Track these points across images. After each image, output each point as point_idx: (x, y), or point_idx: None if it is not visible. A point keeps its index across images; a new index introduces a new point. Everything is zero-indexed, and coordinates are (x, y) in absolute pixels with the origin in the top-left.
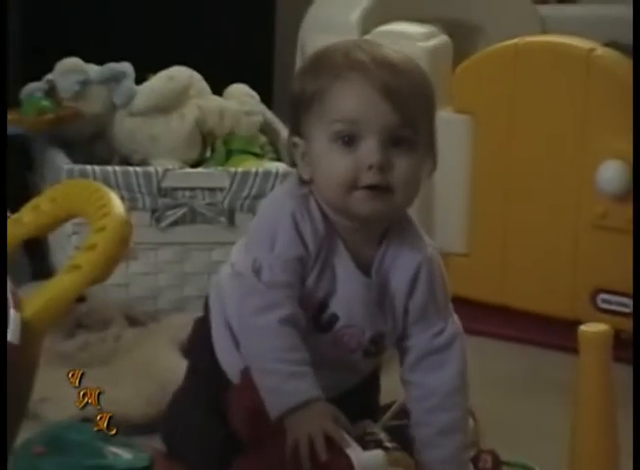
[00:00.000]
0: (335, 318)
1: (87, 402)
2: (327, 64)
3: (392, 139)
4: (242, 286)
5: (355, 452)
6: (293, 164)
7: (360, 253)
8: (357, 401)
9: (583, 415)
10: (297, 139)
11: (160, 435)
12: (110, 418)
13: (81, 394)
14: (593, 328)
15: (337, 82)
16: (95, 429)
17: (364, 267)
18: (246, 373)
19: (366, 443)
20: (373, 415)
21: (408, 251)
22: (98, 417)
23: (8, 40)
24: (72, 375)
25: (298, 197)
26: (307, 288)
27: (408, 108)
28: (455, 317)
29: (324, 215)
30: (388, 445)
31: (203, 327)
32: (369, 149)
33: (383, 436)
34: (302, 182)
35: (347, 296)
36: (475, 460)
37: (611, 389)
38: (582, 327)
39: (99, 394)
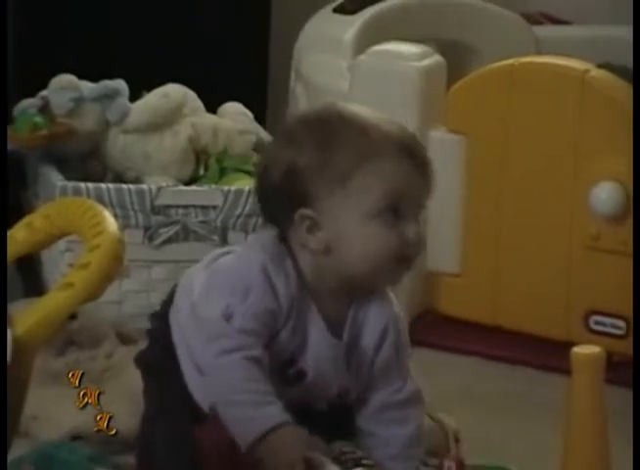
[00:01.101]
0: (302, 374)
1: (87, 402)
2: (343, 141)
3: (421, 210)
4: (209, 330)
5: None
6: (265, 222)
7: (332, 313)
8: (331, 420)
9: (575, 437)
10: (307, 211)
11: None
12: (110, 418)
13: (81, 394)
14: (586, 350)
15: (369, 162)
16: (95, 429)
17: (335, 328)
18: (213, 411)
19: (344, 461)
20: (349, 431)
21: (377, 309)
22: (98, 417)
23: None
24: (73, 375)
25: (274, 254)
26: (277, 343)
27: (432, 177)
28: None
29: (299, 276)
30: (367, 462)
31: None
32: (410, 222)
33: (360, 453)
34: (281, 241)
35: (317, 355)
36: (438, 467)
37: (603, 411)
38: (575, 349)
39: (99, 394)
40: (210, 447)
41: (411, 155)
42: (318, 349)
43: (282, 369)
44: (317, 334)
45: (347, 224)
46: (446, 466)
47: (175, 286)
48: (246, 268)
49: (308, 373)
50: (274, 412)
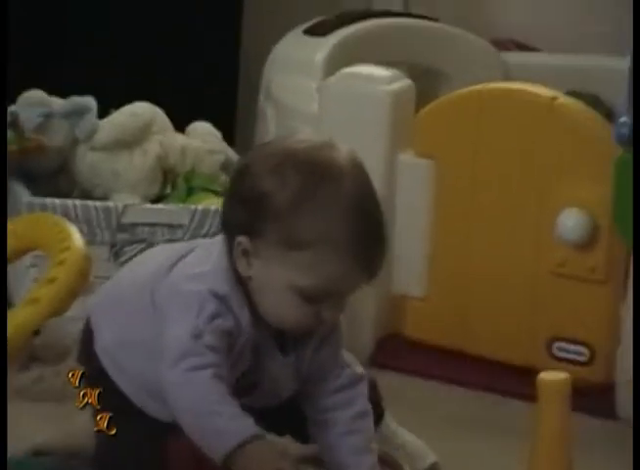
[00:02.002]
0: (254, 386)
1: (87, 402)
2: (318, 212)
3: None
4: (178, 348)
5: None
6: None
7: (279, 333)
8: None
9: (540, 463)
10: (242, 239)
11: None
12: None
13: (81, 394)
14: (552, 376)
15: (323, 251)
16: (95, 429)
17: (283, 344)
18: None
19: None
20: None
21: None
22: (98, 417)
23: None
24: (73, 375)
25: (234, 281)
26: (233, 356)
27: (378, 270)
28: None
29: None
30: None
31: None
32: (331, 307)
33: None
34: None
35: (268, 371)
36: None
37: (568, 437)
38: (541, 375)
39: (99, 394)
40: (179, 462)
41: (366, 258)
42: (269, 365)
43: (238, 380)
44: (269, 353)
45: (272, 280)
46: None
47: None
48: (211, 290)
49: (259, 386)
50: (247, 425)
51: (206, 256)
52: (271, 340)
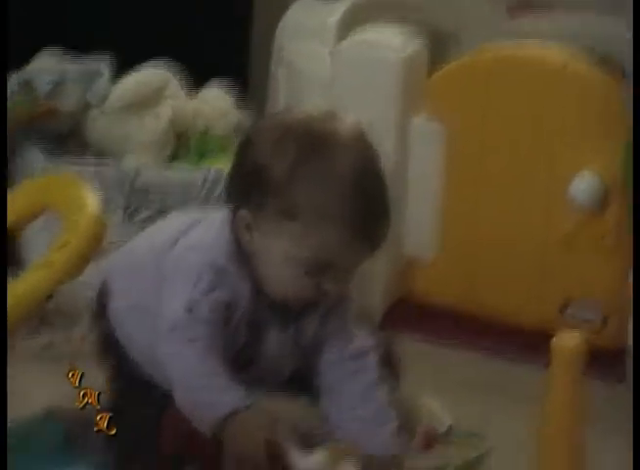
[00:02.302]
0: (253, 361)
1: (87, 402)
2: (317, 180)
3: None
4: (171, 320)
5: (298, 458)
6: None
7: (279, 307)
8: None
9: (552, 427)
10: (243, 212)
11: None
12: (110, 418)
13: (81, 394)
14: (565, 340)
15: (321, 221)
16: (95, 429)
17: (283, 319)
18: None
19: (312, 439)
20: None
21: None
22: (98, 417)
23: None
24: (72, 375)
25: (234, 253)
26: (232, 331)
27: (380, 243)
28: (366, 336)
29: (251, 272)
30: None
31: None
32: (334, 281)
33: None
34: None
35: (267, 346)
36: (407, 440)
37: (581, 402)
38: (555, 339)
39: (99, 394)
40: (177, 434)
41: (365, 230)
42: (269, 341)
43: (235, 355)
44: (268, 328)
45: (272, 253)
46: (416, 439)
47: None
48: (210, 262)
49: (260, 361)
50: (236, 397)
51: (211, 226)
52: (271, 314)
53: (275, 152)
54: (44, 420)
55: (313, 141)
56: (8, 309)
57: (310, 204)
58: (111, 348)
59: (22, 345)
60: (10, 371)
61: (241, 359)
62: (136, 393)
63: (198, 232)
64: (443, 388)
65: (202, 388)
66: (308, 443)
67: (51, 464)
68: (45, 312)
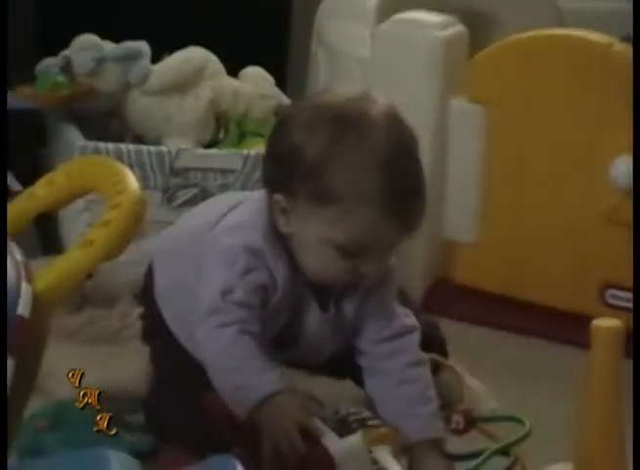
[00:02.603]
0: (296, 339)
1: (87, 402)
2: (349, 162)
3: (389, 252)
4: (207, 304)
5: (332, 441)
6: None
7: (319, 287)
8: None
9: (592, 409)
10: (279, 197)
11: (146, 419)
12: (110, 418)
13: (81, 394)
14: (606, 323)
15: (355, 205)
16: (95, 429)
17: (323, 300)
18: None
19: (349, 423)
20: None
21: None
22: (98, 417)
23: (26, 16)
24: (72, 375)
25: (270, 235)
26: (273, 312)
27: (416, 223)
28: (408, 317)
29: (289, 255)
30: (373, 422)
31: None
32: (371, 261)
33: (366, 414)
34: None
35: (308, 326)
36: (446, 422)
37: (621, 384)
38: (595, 322)
39: (99, 394)
40: (219, 416)
41: (400, 211)
42: (310, 322)
43: (277, 335)
44: (308, 308)
45: (308, 236)
46: (454, 421)
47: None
48: (245, 244)
49: (302, 339)
50: (271, 380)
51: (248, 209)
52: (310, 295)
53: (308, 134)
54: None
55: (346, 122)
56: (49, 287)
57: (344, 186)
58: (155, 327)
59: (61, 323)
60: (50, 350)
61: (284, 339)
62: (178, 374)
63: (235, 214)
64: (482, 369)
65: (237, 370)
66: (346, 425)
67: (85, 444)
68: (85, 291)
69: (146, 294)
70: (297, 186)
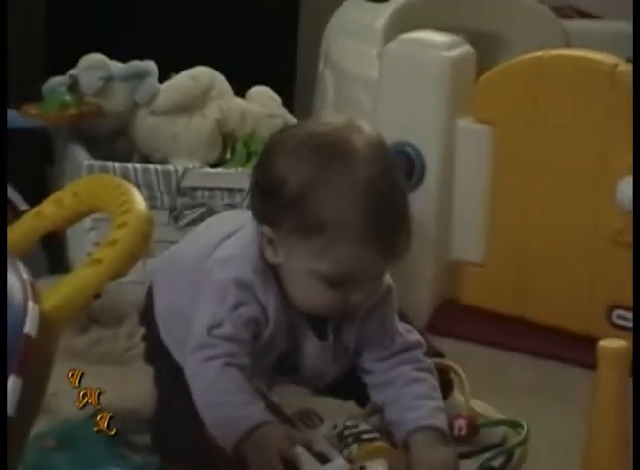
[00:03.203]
0: (297, 367)
1: (87, 402)
2: (330, 193)
3: (376, 280)
4: (194, 339)
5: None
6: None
7: (316, 317)
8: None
9: (599, 430)
10: (265, 228)
11: (151, 440)
12: (110, 418)
13: (81, 394)
14: (612, 344)
15: (337, 234)
16: (95, 429)
17: (320, 329)
18: None
19: (345, 437)
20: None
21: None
22: (98, 417)
23: (33, 35)
24: (72, 375)
25: (261, 267)
26: (270, 341)
27: (401, 253)
28: (411, 333)
29: (280, 286)
30: (369, 435)
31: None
32: (358, 291)
33: (363, 427)
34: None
35: (308, 355)
36: (449, 428)
37: (627, 404)
38: (601, 342)
39: (99, 394)
40: (215, 444)
41: (384, 241)
42: (308, 351)
43: (277, 363)
44: (305, 337)
45: (295, 268)
46: (457, 426)
47: (150, 288)
48: (234, 278)
49: (302, 367)
50: (256, 412)
51: (240, 239)
52: (307, 324)
53: (291, 165)
54: (90, 420)
55: (329, 153)
56: (56, 306)
57: (327, 216)
58: (155, 348)
59: (68, 342)
60: (56, 369)
61: (284, 367)
62: (178, 396)
63: (228, 245)
64: (489, 389)
65: (223, 405)
66: (342, 440)
67: (96, 464)
68: (92, 311)
69: (146, 315)
70: (281, 217)
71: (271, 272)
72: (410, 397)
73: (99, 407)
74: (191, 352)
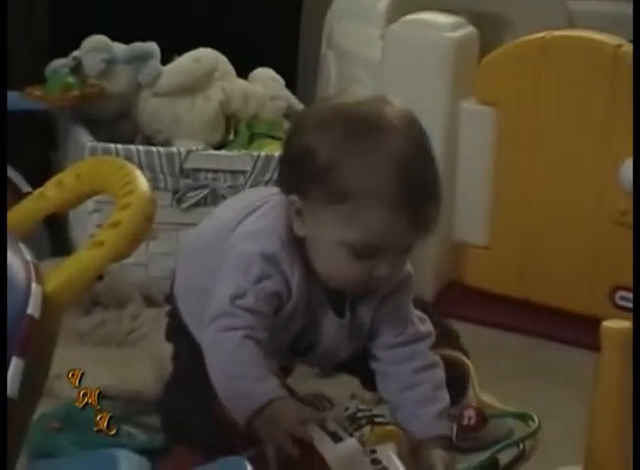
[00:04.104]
0: (312, 346)
1: (87, 402)
2: (361, 162)
3: (404, 253)
4: (215, 307)
5: (327, 447)
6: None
7: (334, 293)
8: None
9: (602, 411)
10: (294, 198)
11: (160, 421)
12: (110, 418)
13: (81, 394)
14: (615, 325)
15: (367, 201)
16: (95, 429)
17: (338, 306)
18: None
19: (359, 419)
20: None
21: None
22: (98, 417)
23: (37, 18)
24: (72, 375)
25: (287, 241)
26: (288, 319)
27: (430, 226)
28: (423, 323)
29: (304, 260)
30: (382, 420)
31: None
32: (385, 264)
33: (375, 412)
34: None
35: (325, 332)
36: (458, 418)
37: (630, 385)
38: (605, 323)
39: (99, 393)
40: (229, 421)
41: (414, 211)
42: (326, 328)
43: (293, 343)
44: (323, 314)
45: (322, 237)
46: (466, 416)
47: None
48: (260, 251)
49: (318, 345)
50: (270, 388)
51: (266, 213)
52: (326, 301)
53: (321, 134)
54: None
55: (361, 123)
56: (59, 288)
57: (358, 183)
58: (175, 326)
59: (72, 325)
60: (59, 351)
61: (299, 347)
62: (194, 374)
63: (253, 220)
64: (493, 370)
65: (238, 378)
66: (355, 422)
67: (97, 445)
68: (96, 293)
69: (169, 293)
70: (311, 185)
71: (297, 246)
72: (412, 403)
73: (99, 407)
74: (210, 321)
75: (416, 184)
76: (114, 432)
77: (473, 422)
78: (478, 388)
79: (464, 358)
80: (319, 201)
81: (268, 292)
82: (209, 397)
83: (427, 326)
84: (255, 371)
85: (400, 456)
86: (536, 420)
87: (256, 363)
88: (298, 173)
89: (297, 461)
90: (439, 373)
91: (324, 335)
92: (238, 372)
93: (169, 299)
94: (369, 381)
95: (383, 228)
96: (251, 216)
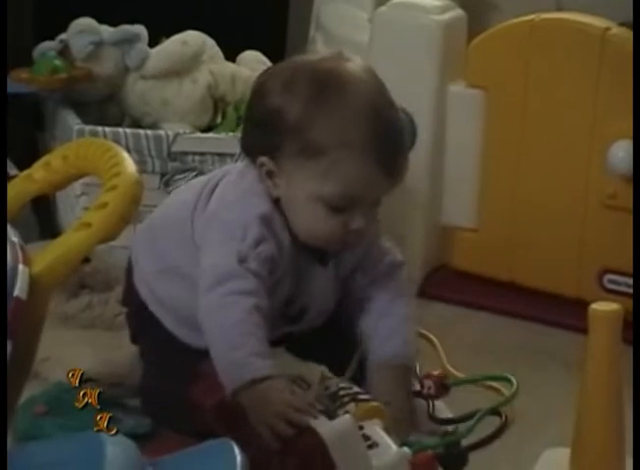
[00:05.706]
0: (304, 310)
1: (87, 402)
2: (330, 116)
3: (376, 205)
4: (221, 270)
5: (322, 424)
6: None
7: (319, 253)
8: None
9: (591, 394)
10: (264, 159)
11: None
12: (110, 418)
13: (81, 394)
14: (604, 307)
15: (340, 155)
16: (95, 429)
17: (320, 255)
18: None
19: (341, 397)
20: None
21: None
22: (98, 417)
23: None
24: (72, 375)
25: (269, 202)
26: (277, 285)
27: (401, 174)
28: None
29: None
30: (365, 396)
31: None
32: (359, 216)
33: (357, 389)
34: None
35: (312, 288)
36: (419, 387)
37: (618, 368)
38: (593, 306)
39: (99, 393)
40: (206, 407)
41: (386, 159)
42: (312, 282)
43: (283, 309)
44: (310, 272)
45: (297, 195)
46: (427, 386)
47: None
48: (260, 213)
49: (309, 307)
50: (265, 365)
51: (239, 181)
52: (310, 257)
53: (287, 93)
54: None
55: (324, 78)
56: (46, 269)
57: (330, 137)
58: (141, 322)
59: (59, 308)
60: (46, 334)
61: (293, 312)
62: (167, 356)
63: (228, 188)
64: (481, 354)
65: (241, 346)
66: (338, 400)
67: (84, 429)
68: (82, 276)
69: (127, 289)
70: (282, 144)
71: (279, 207)
72: (384, 332)
73: (99, 407)
74: (215, 284)
75: (387, 133)
76: (114, 432)
77: (432, 391)
78: (444, 358)
79: (425, 333)
80: (292, 159)
81: (264, 257)
82: (182, 386)
83: (399, 255)
84: (257, 344)
85: (387, 432)
86: (515, 384)
87: (260, 336)
88: (268, 134)
89: (292, 440)
90: (405, 308)
91: (315, 294)
92: (241, 341)
93: (127, 299)
94: (336, 366)
95: (359, 179)
96: (220, 187)
